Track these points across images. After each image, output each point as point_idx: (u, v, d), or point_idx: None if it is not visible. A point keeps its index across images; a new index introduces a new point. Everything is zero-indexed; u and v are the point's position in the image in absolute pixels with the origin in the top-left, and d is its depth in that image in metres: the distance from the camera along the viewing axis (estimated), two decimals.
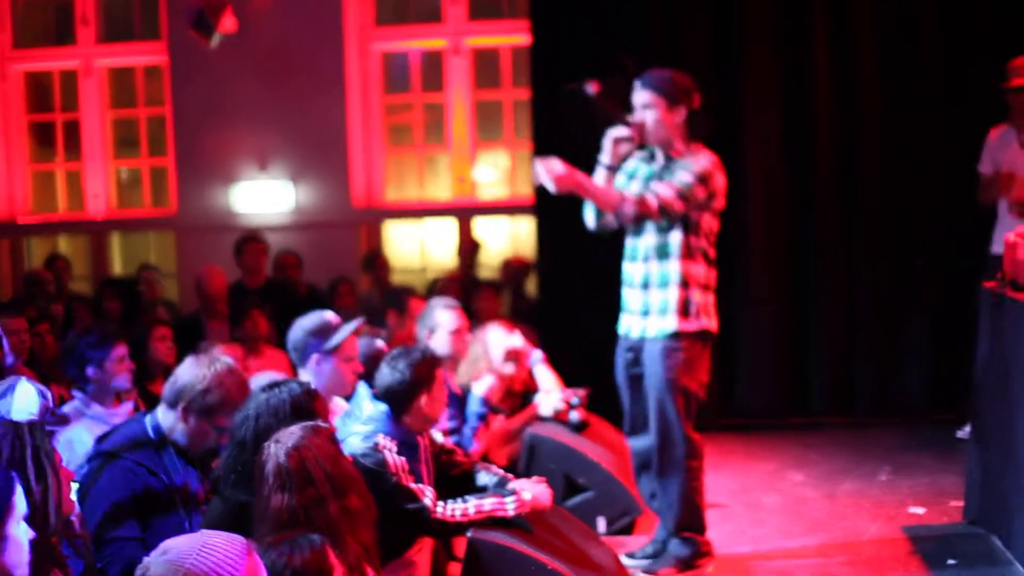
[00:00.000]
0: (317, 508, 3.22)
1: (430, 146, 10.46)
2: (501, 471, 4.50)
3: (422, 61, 10.37)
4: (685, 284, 5.14)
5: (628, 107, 5.28)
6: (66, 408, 4.88)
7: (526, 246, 9.90)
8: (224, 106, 9.92)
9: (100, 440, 4.04)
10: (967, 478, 5.87)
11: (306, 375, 4.71)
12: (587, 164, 5.60)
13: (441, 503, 4.14)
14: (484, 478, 4.43)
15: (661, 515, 5.36)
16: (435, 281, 9.21)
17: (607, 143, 5.17)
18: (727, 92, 7.87)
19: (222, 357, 4.16)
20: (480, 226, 10.40)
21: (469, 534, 4.11)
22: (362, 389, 4.83)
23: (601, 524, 5.76)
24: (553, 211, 7.72)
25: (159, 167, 10.67)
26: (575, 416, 6.03)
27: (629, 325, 5.29)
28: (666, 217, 5.06)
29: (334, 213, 9.99)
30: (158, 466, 3.92)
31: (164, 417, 3.99)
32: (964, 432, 6.90)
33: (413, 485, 4.14)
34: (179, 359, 5.21)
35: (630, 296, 5.30)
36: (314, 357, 4.58)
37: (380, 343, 5.29)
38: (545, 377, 6.31)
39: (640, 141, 5.17)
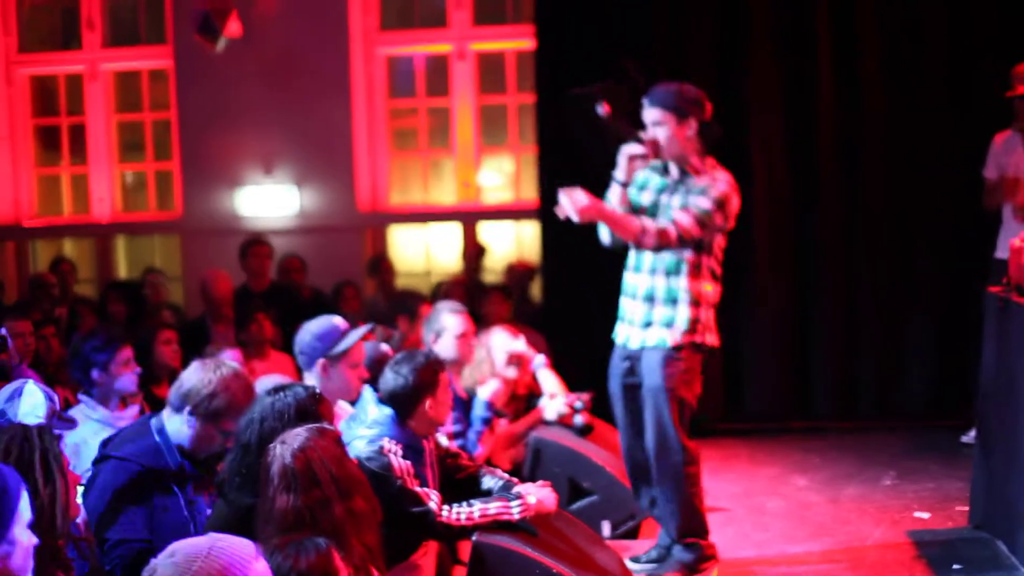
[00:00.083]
0: (322, 510, 3.22)
1: (435, 150, 10.47)
2: (506, 475, 4.51)
3: (427, 66, 10.38)
4: (696, 303, 5.14)
5: (633, 111, 5.29)
6: (72, 412, 4.89)
7: (530, 250, 9.91)
8: (229, 110, 9.94)
9: (105, 443, 4.04)
10: (972, 483, 5.86)
11: (311, 379, 4.72)
12: (591, 168, 5.62)
13: (446, 507, 4.15)
14: (489, 482, 4.43)
15: (663, 522, 5.36)
16: (439, 284, 9.22)
17: (621, 160, 5.17)
18: (731, 95, 7.87)
19: (228, 361, 4.17)
20: (485, 230, 10.41)
21: (474, 538, 4.12)
22: (367, 393, 4.84)
23: (606, 528, 5.76)
24: (557, 216, 7.72)
25: (164, 171, 10.69)
26: (579, 420, 6.04)
27: (627, 335, 5.28)
28: (683, 245, 5.07)
29: (339, 217, 10.00)
30: (163, 469, 3.92)
31: (169, 421, 4.00)
32: (969, 436, 6.89)
33: (418, 489, 4.14)
34: (184, 363, 5.23)
35: (630, 307, 5.28)
36: (320, 362, 4.58)
37: (385, 347, 5.29)
38: (549, 381, 6.32)
39: (654, 157, 5.17)
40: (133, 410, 5.10)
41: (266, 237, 9.17)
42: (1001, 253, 6.87)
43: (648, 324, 5.19)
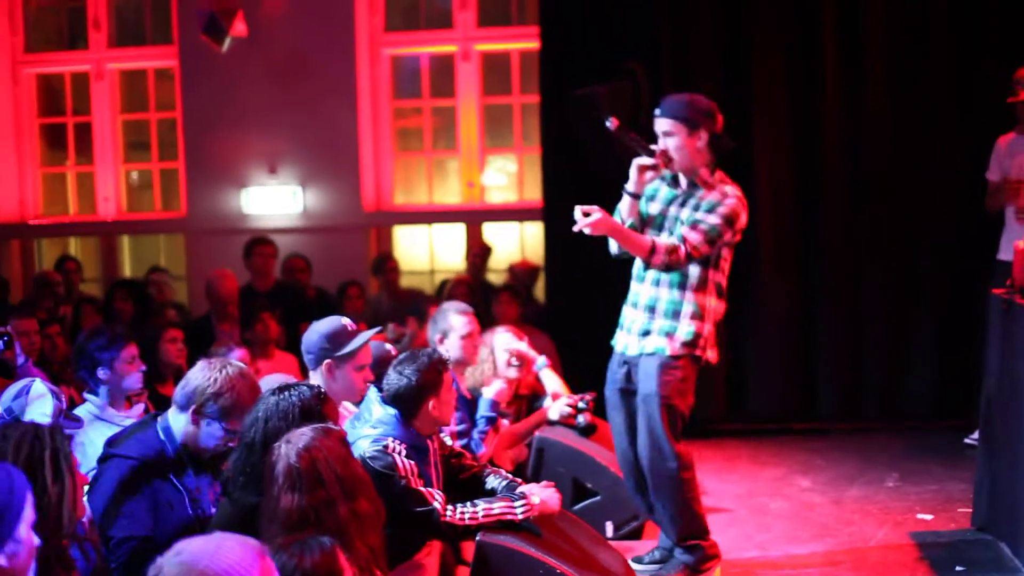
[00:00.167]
0: (327, 510, 3.23)
1: (439, 151, 10.48)
2: (510, 475, 4.52)
3: (431, 66, 10.40)
4: (699, 317, 5.13)
5: (636, 114, 5.30)
6: (77, 411, 4.90)
7: (534, 251, 9.92)
8: (234, 110, 9.96)
9: (110, 442, 4.06)
10: (975, 484, 5.87)
11: (316, 379, 4.72)
12: (595, 169, 5.62)
13: (450, 506, 4.15)
14: (493, 482, 4.44)
15: (663, 527, 5.37)
16: (443, 283, 9.23)
17: (633, 172, 5.16)
18: (735, 96, 7.88)
19: (234, 361, 4.18)
20: (488, 231, 10.42)
21: (478, 538, 4.13)
22: (371, 393, 4.84)
23: (609, 528, 5.77)
24: (562, 216, 7.73)
25: (169, 170, 10.71)
26: (583, 420, 6.04)
27: (626, 343, 5.28)
28: (691, 262, 5.08)
29: (343, 217, 10.02)
30: (168, 468, 3.94)
31: (175, 419, 4.01)
32: (972, 438, 6.90)
33: (422, 488, 4.15)
34: (190, 362, 5.24)
35: (631, 316, 5.28)
36: (326, 363, 4.59)
37: (389, 347, 5.30)
38: (551, 381, 6.33)
39: (665, 168, 5.18)
40: (138, 409, 5.10)
41: (270, 237, 9.18)
42: (1003, 255, 6.89)
43: (646, 333, 5.18)
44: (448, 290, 8.51)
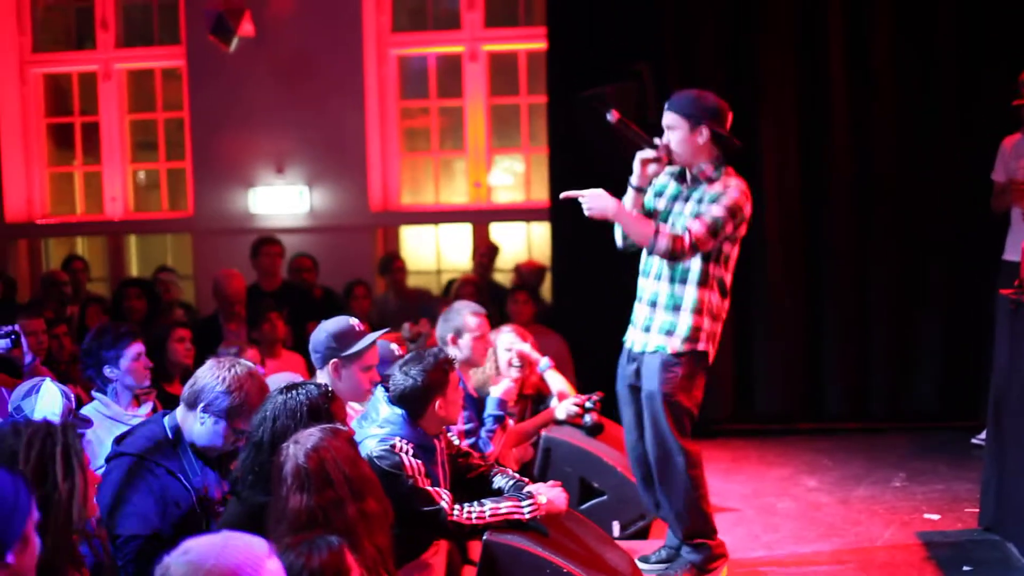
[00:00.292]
0: (335, 510, 3.23)
1: (446, 151, 10.49)
2: (517, 474, 4.52)
3: (439, 66, 10.40)
4: (699, 311, 5.14)
5: (643, 113, 5.30)
6: (85, 410, 4.91)
7: (541, 251, 9.93)
8: (242, 110, 9.97)
9: (119, 440, 4.07)
10: (982, 484, 5.86)
11: (323, 378, 4.73)
12: (602, 169, 5.62)
13: (457, 506, 4.16)
14: (500, 481, 4.45)
15: (669, 524, 5.37)
16: (450, 283, 9.24)
17: (636, 165, 5.18)
18: (741, 96, 7.87)
19: (242, 360, 4.19)
20: (495, 231, 10.43)
21: (485, 537, 4.13)
22: (378, 392, 4.85)
23: (616, 528, 5.77)
24: (569, 216, 7.74)
25: (177, 170, 10.73)
26: (590, 419, 6.04)
27: (634, 340, 5.30)
28: (696, 253, 5.08)
29: (350, 217, 10.03)
30: (176, 466, 3.95)
31: (183, 418, 4.02)
32: (979, 438, 6.90)
33: (429, 488, 4.16)
34: (197, 361, 5.25)
35: (637, 311, 5.30)
36: (333, 362, 4.59)
37: (395, 347, 5.31)
38: (556, 381, 6.33)
39: (668, 161, 5.18)
40: (146, 408, 5.11)
41: (277, 236, 9.20)
42: (1009, 255, 6.88)
43: (648, 329, 5.20)
44: (455, 290, 8.52)
